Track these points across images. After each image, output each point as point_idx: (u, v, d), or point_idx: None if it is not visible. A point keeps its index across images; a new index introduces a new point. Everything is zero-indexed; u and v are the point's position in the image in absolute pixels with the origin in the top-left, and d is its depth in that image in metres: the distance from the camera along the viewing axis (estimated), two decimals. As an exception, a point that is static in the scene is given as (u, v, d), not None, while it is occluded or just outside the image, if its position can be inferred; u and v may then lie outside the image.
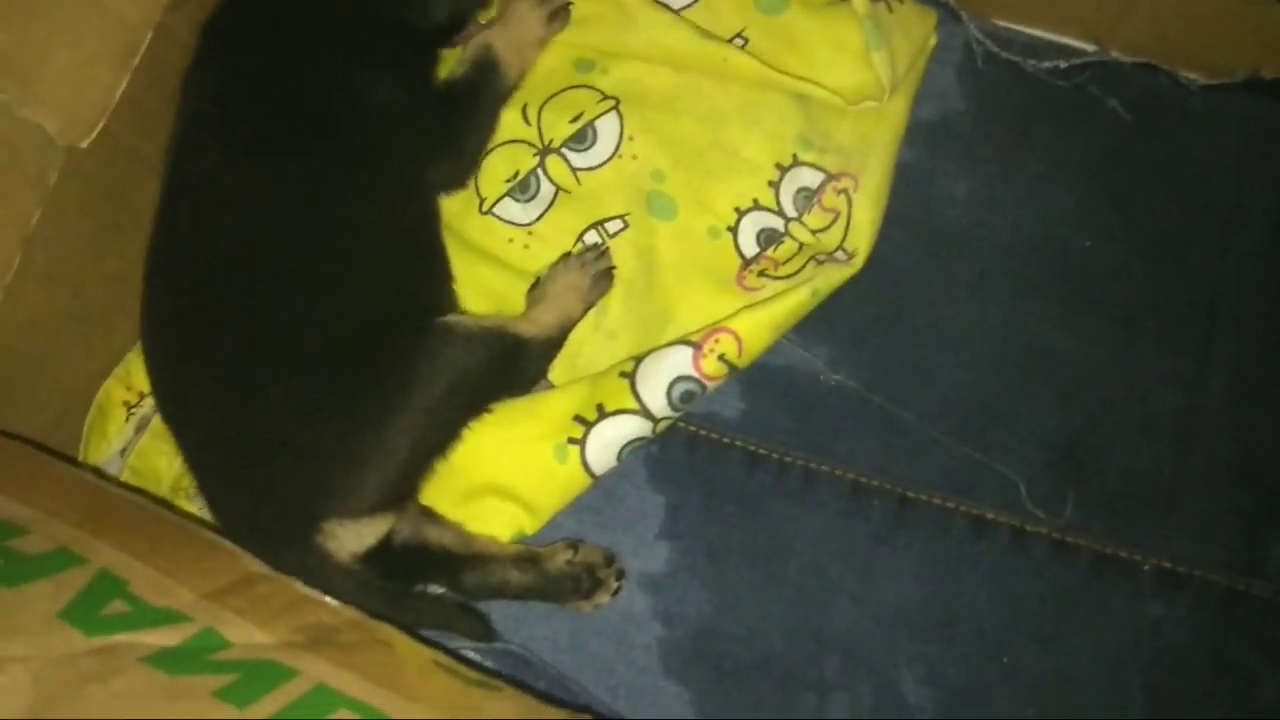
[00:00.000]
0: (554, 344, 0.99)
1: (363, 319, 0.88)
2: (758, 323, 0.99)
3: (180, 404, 0.89)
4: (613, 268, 1.03)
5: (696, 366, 0.98)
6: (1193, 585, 0.99)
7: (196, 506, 0.95)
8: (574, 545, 0.96)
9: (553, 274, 1.02)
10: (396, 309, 0.90)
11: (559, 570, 0.95)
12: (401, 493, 0.90)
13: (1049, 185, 1.10)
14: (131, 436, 1.02)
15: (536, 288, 1.03)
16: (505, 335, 0.94)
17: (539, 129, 1.09)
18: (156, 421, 1.01)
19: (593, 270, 1.02)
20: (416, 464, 0.89)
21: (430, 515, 0.96)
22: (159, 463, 0.99)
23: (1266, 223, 1.08)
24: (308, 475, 0.85)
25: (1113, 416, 1.05)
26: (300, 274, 0.88)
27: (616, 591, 0.97)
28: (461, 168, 1.05)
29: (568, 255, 1.05)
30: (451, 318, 0.92)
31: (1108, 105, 1.10)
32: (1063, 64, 1.12)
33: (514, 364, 0.95)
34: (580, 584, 0.95)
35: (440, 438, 0.91)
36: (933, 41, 1.10)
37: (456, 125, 1.03)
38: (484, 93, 1.05)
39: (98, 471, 0.96)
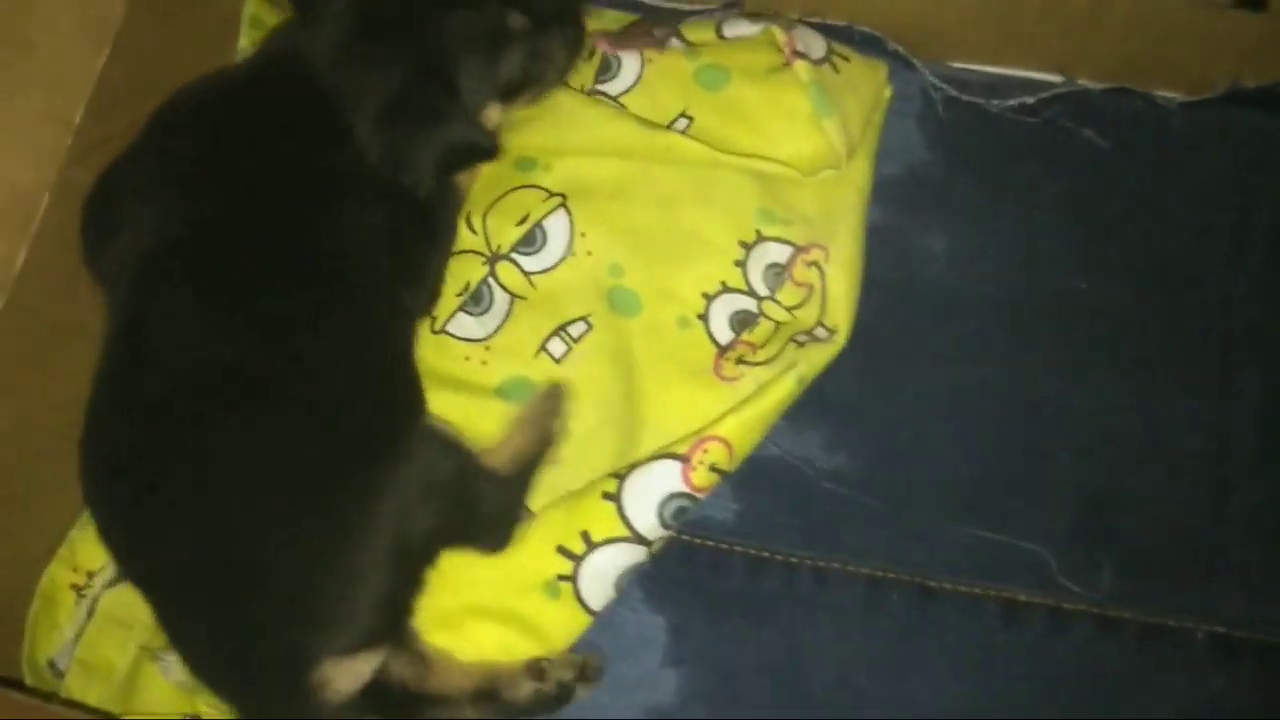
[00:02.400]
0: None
1: (344, 441, 0.82)
2: (746, 425, 0.92)
3: (147, 552, 0.82)
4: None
5: (687, 481, 0.90)
6: (1253, 650, 0.90)
7: (161, 670, 0.87)
8: (540, 669, 0.87)
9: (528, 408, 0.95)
10: (375, 429, 0.84)
11: (525, 701, 0.86)
12: (394, 621, 0.83)
13: (1032, 228, 1.03)
14: (84, 621, 0.94)
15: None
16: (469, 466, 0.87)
17: (485, 236, 1.03)
18: (105, 604, 0.93)
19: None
20: (405, 584, 0.83)
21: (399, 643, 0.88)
22: (111, 653, 0.91)
23: (1273, 239, 1.01)
24: (298, 609, 0.78)
25: (1138, 469, 0.96)
26: (279, 405, 0.82)
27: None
28: (435, 291, 1.00)
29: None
30: (433, 422, 0.88)
31: (1082, 136, 1.03)
32: (1029, 99, 1.05)
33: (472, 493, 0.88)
34: (550, 704, 0.87)
35: (423, 557, 0.84)
36: (887, 94, 1.04)
37: (427, 250, 0.98)
38: (445, 211, 0.99)
39: (33, 691, 0.88)
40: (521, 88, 0.96)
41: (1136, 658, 0.91)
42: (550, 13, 0.95)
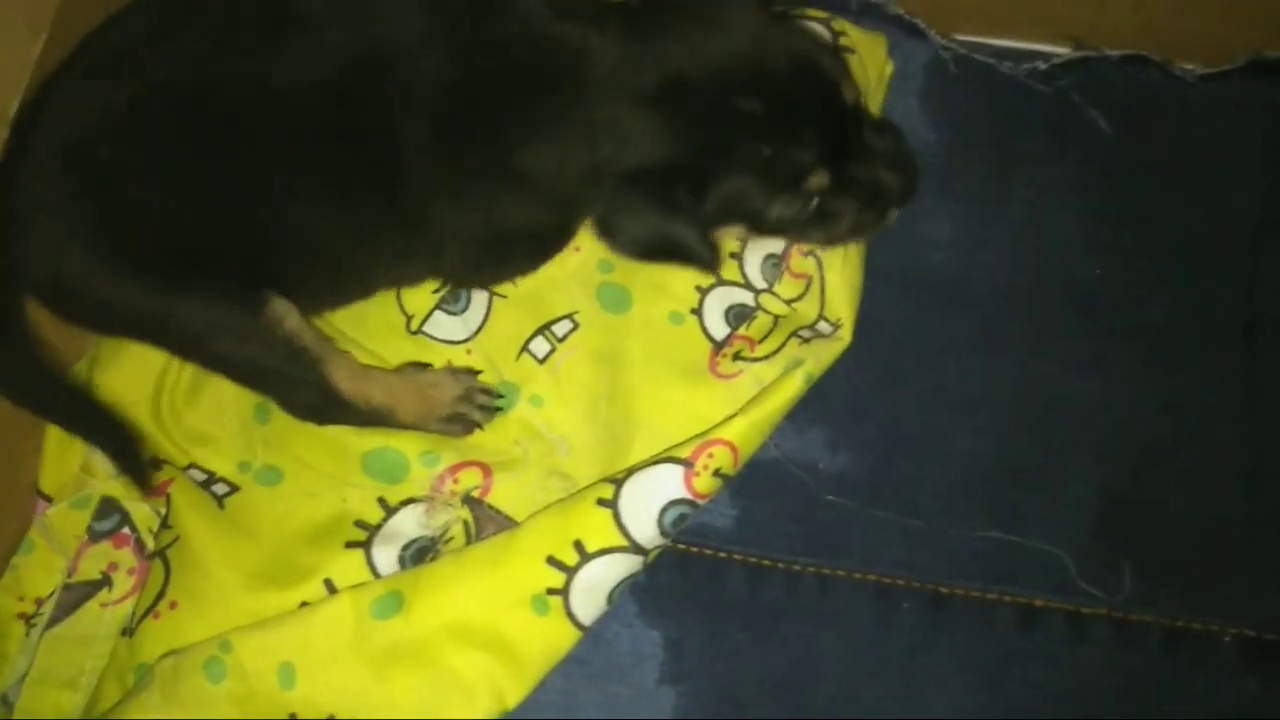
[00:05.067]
0: (354, 415, 0.89)
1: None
2: (753, 427, 0.87)
3: None
4: (479, 425, 0.91)
5: (689, 487, 0.85)
6: (1285, 654, 0.86)
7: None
8: None
9: (433, 374, 0.92)
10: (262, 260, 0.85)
11: None
12: None
13: (1044, 211, 0.97)
14: (34, 651, 0.88)
15: (413, 365, 0.93)
16: (309, 370, 0.86)
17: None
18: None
19: (464, 407, 0.90)
20: None
21: None
22: (61, 698, 0.86)
23: (1297, 219, 0.96)
24: None
25: (1160, 465, 0.91)
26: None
27: None
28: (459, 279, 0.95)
29: (464, 371, 0.93)
30: (279, 304, 0.85)
31: (1095, 112, 0.98)
32: (1041, 65, 0.99)
33: (296, 389, 0.88)
34: None
35: None
36: (889, 70, 0.98)
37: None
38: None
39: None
40: (778, 231, 0.89)
41: (1161, 663, 0.86)
42: (865, 183, 0.86)
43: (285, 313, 0.86)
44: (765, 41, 0.82)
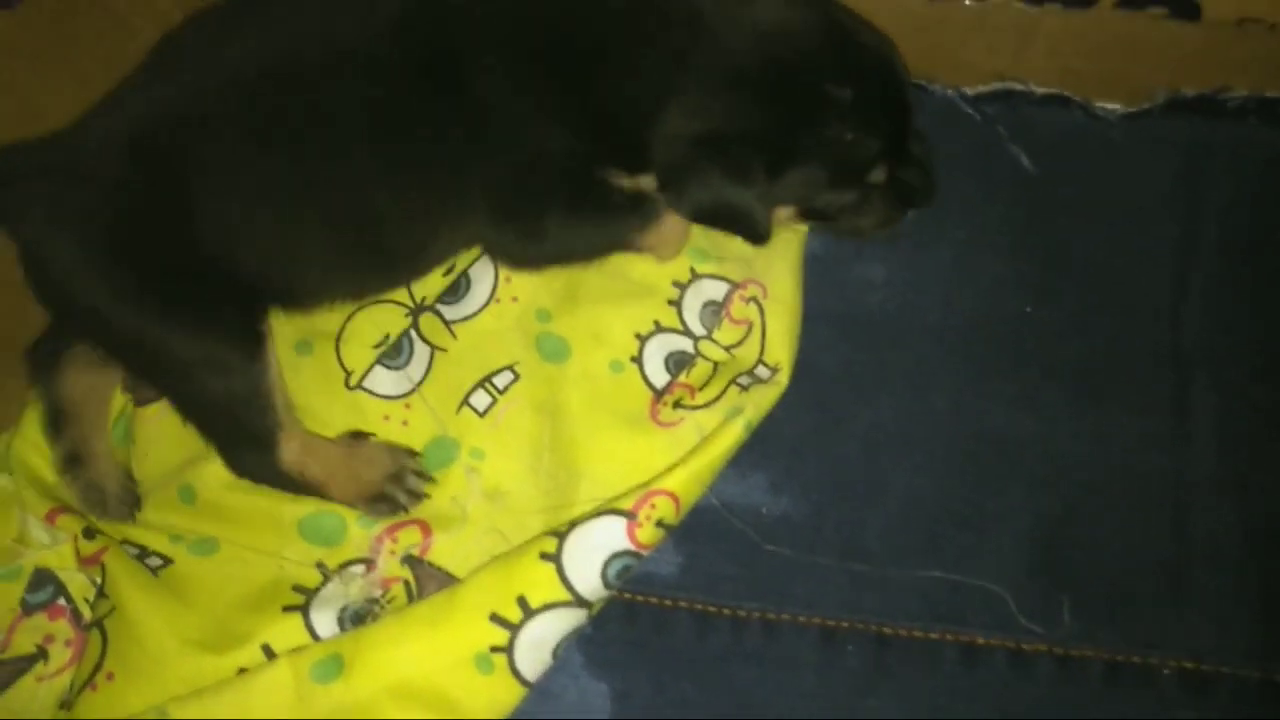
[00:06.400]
0: (288, 484, 0.90)
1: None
2: (695, 477, 0.87)
3: None
4: (404, 509, 0.90)
5: (632, 538, 0.85)
6: (1223, 684, 0.86)
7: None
8: None
9: (370, 448, 0.91)
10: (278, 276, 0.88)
11: None
12: None
13: (974, 251, 0.99)
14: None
15: (353, 436, 0.93)
16: (267, 433, 0.87)
17: (409, 287, 0.98)
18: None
19: (392, 488, 0.90)
20: None
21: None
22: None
23: (1220, 252, 0.98)
24: None
25: (1094, 498, 0.92)
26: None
27: None
28: (528, 253, 0.93)
29: (402, 450, 0.92)
30: (272, 354, 0.87)
31: (1021, 154, 1.00)
32: (967, 90, 1.01)
33: (246, 445, 0.88)
34: None
35: None
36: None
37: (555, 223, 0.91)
38: (614, 226, 0.91)
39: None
40: (820, 215, 0.90)
41: (1103, 697, 0.87)
42: (903, 183, 0.89)
43: (273, 357, 0.87)
44: (850, 33, 0.84)
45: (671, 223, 0.91)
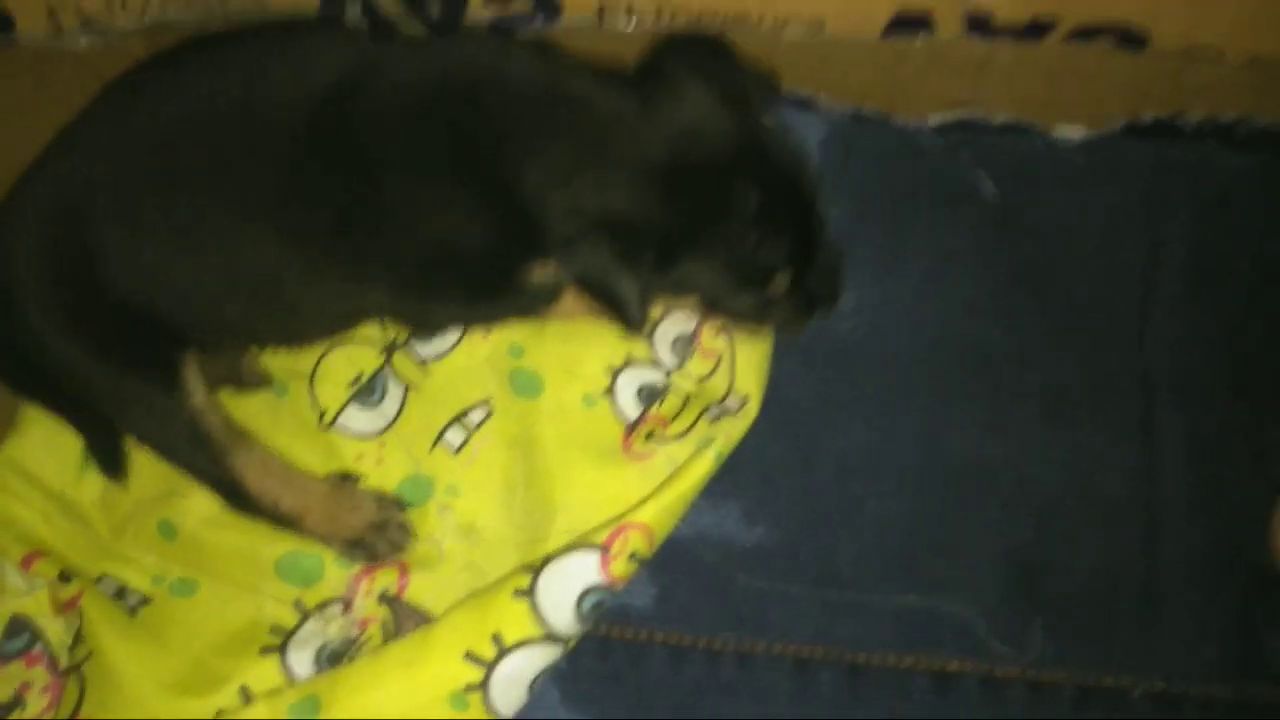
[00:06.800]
0: (263, 513, 0.90)
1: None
2: (667, 510, 0.88)
3: None
4: (380, 558, 0.91)
5: (606, 572, 0.85)
6: (1193, 704, 0.87)
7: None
8: None
9: (358, 494, 0.92)
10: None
11: None
12: None
13: (941, 276, 1.00)
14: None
15: (340, 478, 0.93)
16: (212, 463, 0.88)
17: (382, 324, 0.98)
18: None
19: (373, 536, 0.90)
20: None
21: None
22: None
23: (1183, 274, 0.99)
24: None
25: (1064, 521, 0.93)
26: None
27: None
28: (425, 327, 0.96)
29: (390, 501, 0.93)
30: (191, 385, 0.88)
31: (985, 180, 1.01)
32: (928, 121, 1.03)
33: (203, 477, 0.90)
34: None
35: None
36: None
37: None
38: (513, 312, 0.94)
39: None
40: (723, 312, 0.89)
41: (1075, 721, 0.88)
42: (806, 290, 0.87)
43: (194, 388, 0.88)
44: (768, 141, 0.83)
45: (574, 297, 0.92)
